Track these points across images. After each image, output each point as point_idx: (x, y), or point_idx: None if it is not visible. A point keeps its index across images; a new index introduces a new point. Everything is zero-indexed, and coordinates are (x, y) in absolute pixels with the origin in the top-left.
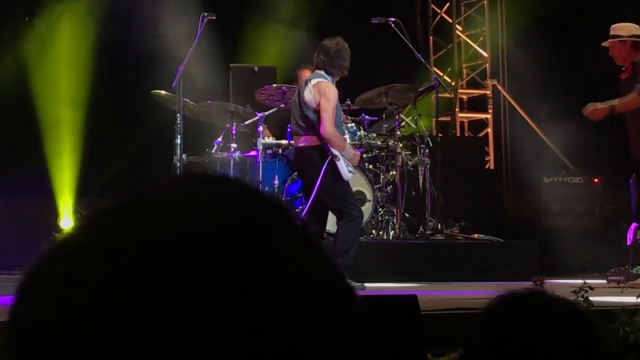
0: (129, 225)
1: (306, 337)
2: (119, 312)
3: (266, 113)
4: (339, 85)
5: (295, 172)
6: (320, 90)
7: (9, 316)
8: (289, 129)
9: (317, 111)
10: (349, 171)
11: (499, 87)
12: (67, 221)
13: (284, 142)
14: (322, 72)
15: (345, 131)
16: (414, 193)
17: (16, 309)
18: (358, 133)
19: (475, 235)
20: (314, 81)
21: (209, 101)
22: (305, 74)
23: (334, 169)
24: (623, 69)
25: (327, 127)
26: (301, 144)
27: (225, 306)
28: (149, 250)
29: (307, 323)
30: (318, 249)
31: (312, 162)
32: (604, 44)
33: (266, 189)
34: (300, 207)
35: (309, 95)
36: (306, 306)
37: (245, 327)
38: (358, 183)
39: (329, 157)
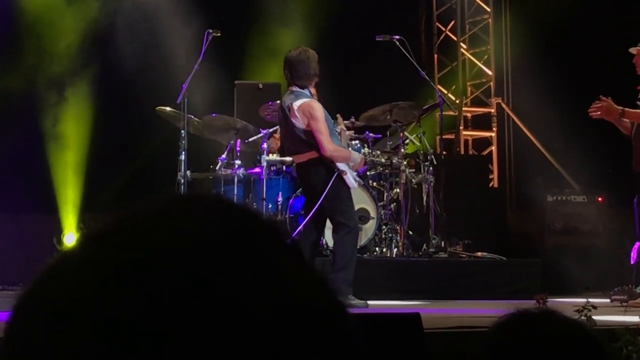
0: (121, 245)
1: (294, 352)
2: (111, 332)
3: (270, 130)
4: (342, 101)
5: (300, 189)
6: (305, 112)
7: (4, 334)
8: None
9: (309, 132)
10: (355, 180)
11: (503, 105)
12: (70, 237)
13: (288, 159)
14: (296, 89)
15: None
16: (417, 211)
17: (11, 328)
18: (362, 150)
19: (479, 254)
20: (295, 105)
21: (214, 114)
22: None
23: (341, 182)
24: None
25: (327, 146)
26: (303, 159)
27: (214, 321)
28: (141, 268)
29: (296, 338)
30: (309, 265)
31: (318, 175)
32: (632, 50)
33: (270, 206)
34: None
35: (296, 120)
36: (296, 321)
37: (232, 342)
38: (362, 200)
39: (336, 173)
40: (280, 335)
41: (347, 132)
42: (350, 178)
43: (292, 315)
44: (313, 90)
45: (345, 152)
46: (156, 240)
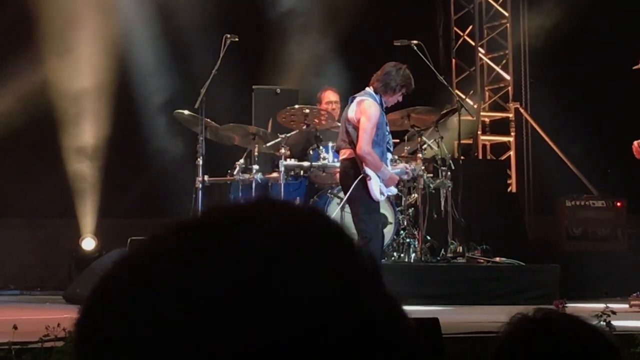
0: (207, 238)
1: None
2: (182, 317)
3: (288, 135)
4: None
5: (317, 194)
6: (361, 108)
7: (81, 313)
8: (311, 151)
9: (357, 128)
10: (381, 193)
11: (522, 110)
12: (88, 242)
13: (306, 163)
14: (370, 90)
15: (389, 154)
16: (435, 216)
17: (92, 307)
18: (405, 171)
19: (497, 259)
20: (358, 98)
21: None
22: (327, 94)
23: (364, 187)
24: None
25: (364, 145)
26: (343, 156)
27: (275, 316)
28: (214, 263)
29: (371, 348)
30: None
31: (347, 174)
32: (636, 67)
33: None
34: None
35: (352, 111)
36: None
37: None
38: (380, 206)
39: (361, 175)
40: (338, 340)
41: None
42: (375, 186)
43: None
44: (335, 97)
45: (378, 161)
46: (235, 238)
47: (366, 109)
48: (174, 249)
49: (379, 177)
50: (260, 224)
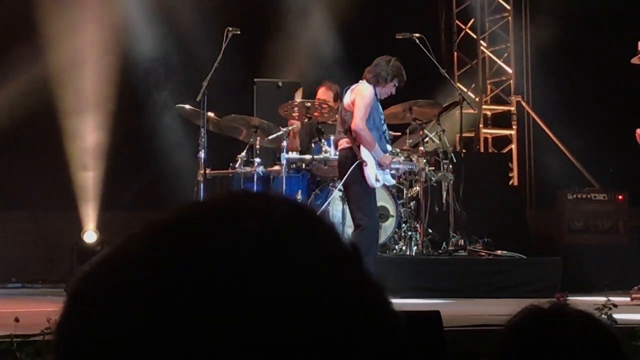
0: (179, 235)
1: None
2: (155, 313)
3: (290, 128)
4: None
5: (319, 187)
6: (355, 90)
7: (62, 312)
8: (312, 144)
9: (351, 114)
10: (377, 179)
11: (523, 104)
12: (90, 235)
13: (308, 157)
14: (363, 81)
15: (388, 146)
16: (437, 209)
17: (71, 307)
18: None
19: (499, 252)
20: (353, 86)
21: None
22: (319, 91)
23: (361, 173)
24: None
25: (357, 121)
26: (341, 146)
27: (243, 315)
28: (187, 263)
29: (353, 343)
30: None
31: (345, 164)
32: (634, 60)
33: None
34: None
35: (347, 99)
36: (354, 327)
37: (263, 339)
38: (381, 198)
39: (358, 161)
40: (321, 337)
41: None
42: (371, 172)
43: (348, 321)
44: (325, 94)
45: (371, 139)
46: (210, 234)
47: (360, 90)
48: (150, 249)
49: (373, 157)
50: (239, 221)
